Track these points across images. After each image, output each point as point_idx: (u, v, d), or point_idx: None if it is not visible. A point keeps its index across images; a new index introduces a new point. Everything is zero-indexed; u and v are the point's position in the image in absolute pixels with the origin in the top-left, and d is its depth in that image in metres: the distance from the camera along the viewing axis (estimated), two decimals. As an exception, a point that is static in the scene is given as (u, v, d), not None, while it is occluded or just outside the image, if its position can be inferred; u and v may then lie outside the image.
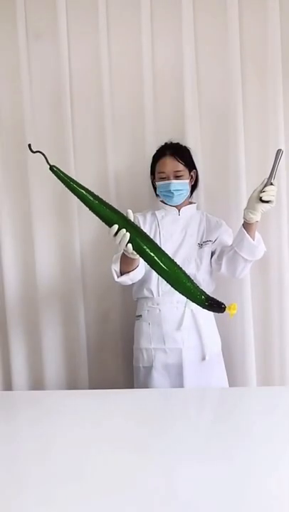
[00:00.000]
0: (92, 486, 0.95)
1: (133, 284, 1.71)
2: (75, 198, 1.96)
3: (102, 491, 0.94)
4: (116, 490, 0.94)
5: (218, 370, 1.76)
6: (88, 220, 1.97)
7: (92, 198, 1.34)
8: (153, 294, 1.73)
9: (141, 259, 1.46)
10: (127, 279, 1.59)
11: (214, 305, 1.33)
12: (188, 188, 1.76)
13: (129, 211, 1.38)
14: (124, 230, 1.33)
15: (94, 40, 1.94)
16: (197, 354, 1.70)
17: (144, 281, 1.72)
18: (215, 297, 1.34)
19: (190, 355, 1.69)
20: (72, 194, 1.95)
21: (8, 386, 2.08)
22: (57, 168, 1.34)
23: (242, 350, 1.95)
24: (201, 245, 1.73)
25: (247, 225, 1.59)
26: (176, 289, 1.36)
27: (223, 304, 1.33)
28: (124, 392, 1.50)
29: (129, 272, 1.57)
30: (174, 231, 1.75)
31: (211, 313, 1.77)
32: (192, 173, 1.77)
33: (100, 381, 2.01)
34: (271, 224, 1.95)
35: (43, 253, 2.01)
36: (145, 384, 1.71)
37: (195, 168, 1.79)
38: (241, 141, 1.91)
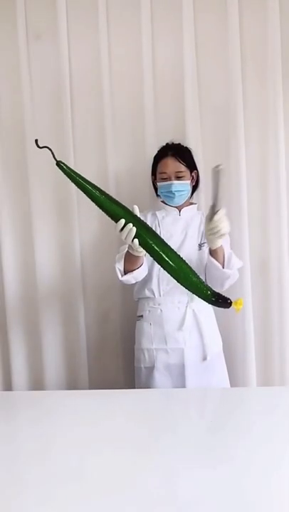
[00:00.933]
0: (92, 486, 0.95)
1: (134, 284, 1.71)
2: (75, 198, 1.98)
3: (102, 491, 0.94)
4: (116, 490, 0.93)
5: (219, 369, 1.76)
6: (88, 220, 1.98)
7: (98, 193, 1.35)
8: (154, 295, 1.73)
9: (145, 257, 1.45)
10: (131, 278, 1.60)
11: (220, 300, 1.33)
12: (190, 189, 1.76)
13: (135, 207, 1.38)
14: (130, 225, 1.33)
15: (94, 40, 1.94)
16: (199, 354, 1.70)
17: (145, 282, 1.72)
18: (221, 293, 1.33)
19: (192, 355, 1.69)
20: (72, 194, 1.97)
21: (8, 386, 2.08)
22: (63, 163, 1.34)
23: (242, 351, 1.95)
24: (200, 246, 1.73)
25: (212, 250, 1.56)
26: (182, 285, 1.35)
27: (229, 299, 1.33)
28: (124, 393, 1.49)
29: (132, 270, 1.57)
30: (174, 231, 1.75)
31: (212, 313, 1.78)
32: (193, 174, 1.77)
33: (100, 382, 2.01)
34: (271, 224, 1.95)
35: (43, 253, 2.01)
36: (147, 384, 1.70)
37: (196, 168, 1.79)
38: (242, 141, 1.91)
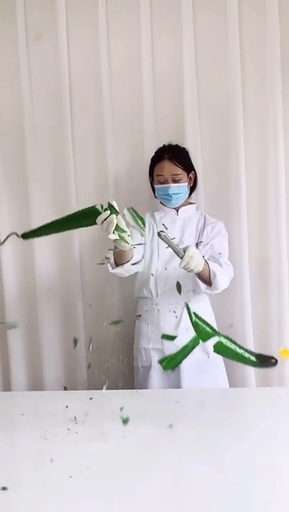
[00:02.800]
0: (92, 487, 0.95)
1: (134, 282, 1.72)
2: (74, 198, 1.98)
3: (102, 491, 0.94)
4: (116, 491, 0.94)
5: (217, 371, 1.75)
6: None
7: (67, 219, 1.34)
8: (152, 294, 1.73)
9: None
10: (122, 271, 1.60)
11: (266, 361, 1.25)
12: (187, 191, 1.76)
13: (114, 202, 1.34)
14: (113, 216, 1.30)
15: (94, 40, 1.94)
16: (195, 354, 1.70)
17: (143, 282, 1.73)
18: (262, 352, 1.27)
19: (189, 356, 1.69)
20: (71, 194, 1.97)
21: (8, 386, 2.08)
22: (26, 233, 1.33)
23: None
24: (196, 246, 1.74)
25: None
26: (226, 357, 1.30)
27: (273, 357, 1.25)
28: (123, 393, 1.49)
29: (123, 264, 1.57)
30: (172, 231, 1.75)
31: (210, 314, 1.79)
32: (191, 175, 1.77)
33: (99, 382, 2.00)
34: (270, 225, 1.95)
35: (42, 253, 2.01)
36: (144, 384, 1.71)
37: (193, 169, 1.79)
38: (241, 141, 1.91)
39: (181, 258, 1.45)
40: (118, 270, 1.59)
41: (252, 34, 1.91)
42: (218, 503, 0.88)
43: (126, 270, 1.60)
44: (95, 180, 1.98)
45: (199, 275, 1.59)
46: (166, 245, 1.45)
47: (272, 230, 1.95)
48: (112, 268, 1.60)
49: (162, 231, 1.44)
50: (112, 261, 1.59)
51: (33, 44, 1.98)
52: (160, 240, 1.44)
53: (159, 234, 1.43)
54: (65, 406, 1.37)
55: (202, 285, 1.61)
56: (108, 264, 1.60)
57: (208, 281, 1.60)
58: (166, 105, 1.95)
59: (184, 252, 1.44)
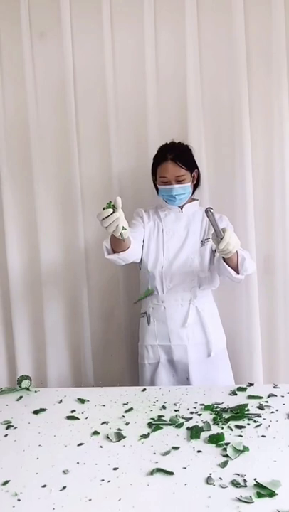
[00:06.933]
0: (96, 485, 0.95)
1: (138, 280, 1.72)
2: (79, 194, 1.98)
3: (106, 490, 0.94)
4: (118, 491, 0.94)
5: (223, 365, 1.76)
6: (92, 217, 1.96)
7: None
8: (158, 292, 1.72)
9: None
10: (117, 259, 1.57)
11: None
12: (190, 190, 1.75)
13: (118, 198, 1.35)
14: (117, 214, 1.33)
15: (98, 38, 1.94)
16: (202, 350, 1.70)
17: (148, 279, 1.72)
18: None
19: (195, 352, 1.69)
20: (76, 190, 1.97)
21: (14, 383, 2.08)
22: None
23: (248, 348, 1.94)
24: (203, 243, 1.72)
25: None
26: None
27: None
28: (128, 389, 1.49)
29: (119, 252, 1.56)
30: (176, 228, 1.74)
31: (215, 310, 1.79)
32: (194, 173, 1.76)
33: (104, 378, 2.01)
34: (277, 220, 1.94)
35: (47, 250, 2.02)
36: (151, 381, 1.71)
37: (196, 167, 1.78)
38: (246, 136, 1.89)
39: (221, 239, 1.42)
40: (113, 257, 1.57)
41: (257, 29, 1.89)
42: (225, 501, 0.87)
43: (121, 258, 1.57)
44: (100, 178, 1.99)
45: (227, 262, 1.57)
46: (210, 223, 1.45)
47: (278, 226, 1.94)
48: (108, 254, 1.58)
49: (210, 208, 1.40)
50: (108, 246, 1.57)
51: (37, 42, 1.99)
52: (207, 216, 1.41)
53: (206, 211, 1.40)
54: (70, 403, 1.37)
55: (232, 272, 1.57)
56: (104, 250, 1.58)
57: (235, 268, 1.58)
58: (171, 102, 1.95)
59: (224, 233, 1.42)
